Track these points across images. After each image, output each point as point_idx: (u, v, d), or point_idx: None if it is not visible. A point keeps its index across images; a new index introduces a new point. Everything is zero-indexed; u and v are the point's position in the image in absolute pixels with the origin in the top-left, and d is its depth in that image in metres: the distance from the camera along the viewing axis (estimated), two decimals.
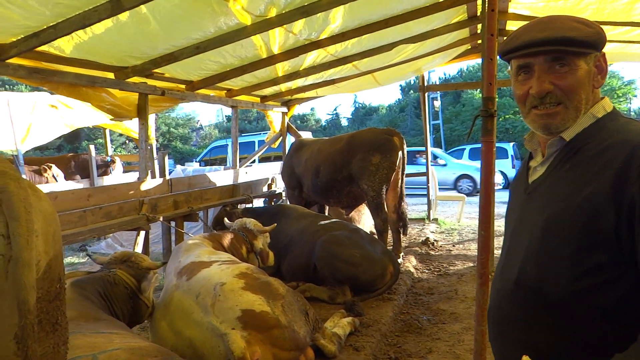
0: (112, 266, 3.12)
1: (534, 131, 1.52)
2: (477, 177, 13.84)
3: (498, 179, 15.39)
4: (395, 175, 5.98)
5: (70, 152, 18.82)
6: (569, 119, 1.37)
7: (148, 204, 4.77)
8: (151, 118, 6.90)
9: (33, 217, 1.35)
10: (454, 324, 4.32)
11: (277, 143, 9.49)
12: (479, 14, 5.81)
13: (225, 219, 4.91)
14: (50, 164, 8.69)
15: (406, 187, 6.38)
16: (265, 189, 7.78)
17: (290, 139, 9.45)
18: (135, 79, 5.23)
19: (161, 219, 4.86)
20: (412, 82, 32.75)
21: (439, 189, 10.67)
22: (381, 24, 5.14)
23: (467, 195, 13.44)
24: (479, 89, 23.29)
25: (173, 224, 5.32)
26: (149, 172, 5.77)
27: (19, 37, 3.67)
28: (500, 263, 1.58)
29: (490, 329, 1.57)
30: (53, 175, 8.46)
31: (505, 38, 6.37)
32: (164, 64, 4.88)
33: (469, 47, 7.87)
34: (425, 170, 9.81)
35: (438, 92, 22.94)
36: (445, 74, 32.75)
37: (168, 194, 5.47)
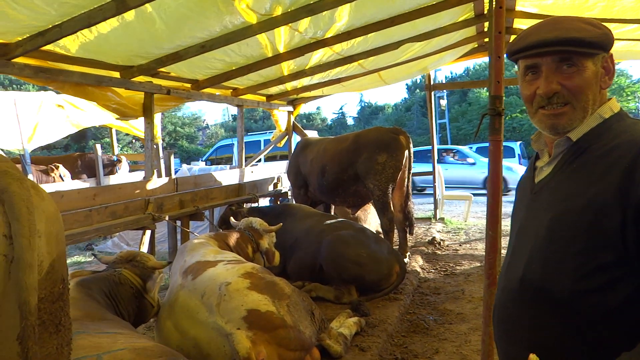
0: (118, 266, 3.11)
1: (540, 131, 1.52)
2: (507, 176, 13.55)
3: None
4: (401, 174, 5.95)
5: (77, 151, 18.89)
6: (576, 119, 1.38)
7: (154, 203, 4.76)
8: (157, 117, 6.91)
9: (35, 217, 1.34)
10: (460, 325, 4.29)
11: (282, 142, 9.47)
12: (485, 11, 5.77)
13: (231, 218, 4.90)
14: (58, 164, 8.72)
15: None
16: (271, 188, 7.77)
17: (296, 138, 9.43)
18: (141, 78, 5.23)
19: (167, 218, 4.85)
20: (419, 81, 32.68)
21: (468, 188, 10.60)
22: (387, 22, 5.11)
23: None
24: (485, 88, 23.19)
25: (179, 223, 5.31)
26: (155, 171, 5.77)
27: (25, 37, 3.68)
28: (505, 262, 1.58)
29: (495, 327, 1.58)
30: (60, 175, 8.49)
31: (512, 36, 6.35)
32: (170, 63, 4.87)
33: (476, 45, 7.83)
34: (435, 170, 9.75)
35: (444, 90, 22.86)
36: (451, 73, 32.71)
37: (174, 193, 5.46)
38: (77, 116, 8.52)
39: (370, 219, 7.59)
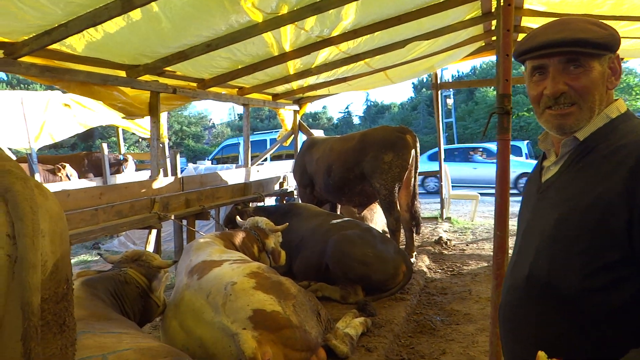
0: (123, 265, 3.11)
1: (547, 131, 1.53)
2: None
3: None
4: (408, 173, 5.92)
5: (84, 150, 18.96)
6: (582, 119, 1.39)
7: (160, 202, 4.76)
8: (163, 116, 6.93)
9: (39, 217, 1.32)
10: (467, 325, 4.26)
11: (288, 141, 9.46)
12: (493, 9, 5.72)
13: (237, 217, 4.89)
14: (64, 163, 8.75)
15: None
16: (276, 187, 7.76)
17: (302, 137, 9.41)
18: (147, 77, 5.22)
19: (172, 217, 4.85)
20: (425, 80, 32.54)
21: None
22: (394, 21, 5.08)
23: None
24: (492, 87, 23.08)
25: (185, 222, 5.31)
26: (161, 170, 5.77)
27: (31, 36, 3.68)
28: (512, 261, 1.59)
29: (500, 326, 1.58)
30: (67, 175, 8.52)
31: (520, 34, 6.30)
32: (176, 62, 4.87)
33: (483, 44, 7.77)
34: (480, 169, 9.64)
35: (451, 89, 22.77)
36: (458, 72, 32.52)
37: (180, 192, 5.46)
38: (84, 115, 8.56)
39: (377, 218, 7.56)
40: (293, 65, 6.31)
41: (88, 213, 3.99)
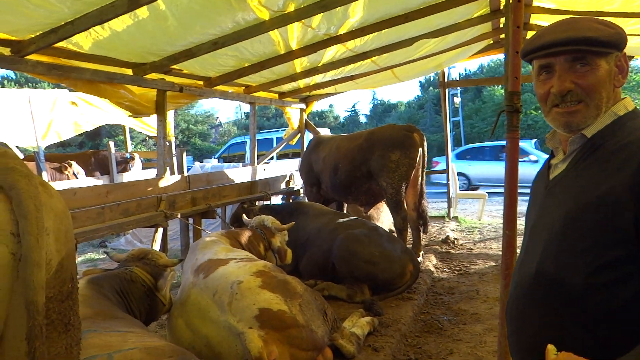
0: (129, 263, 3.11)
1: (555, 130, 1.54)
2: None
3: None
4: (415, 172, 5.89)
5: (92, 148, 19.05)
6: (589, 116, 1.40)
7: (166, 200, 4.76)
8: (170, 115, 6.91)
9: (43, 215, 1.31)
10: (475, 325, 4.23)
11: (295, 140, 9.45)
12: (502, 7, 5.67)
13: (243, 215, 4.88)
14: (71, 161, 8.78)
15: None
16: (283, 186, 7.75)
17: (308, 136, 9.39)
18: (154, 76, 5.22)
19: (179, 215, 4.84)
20: (432, 79, 32.41)
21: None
22: (401, 19, 5.04)
23: None
24: (500, 85, 22.95)
25: (191, 220, 5.30)
26: (168, 168, 5.77)
27: (38, 34, 3.68)
28: (519, 258, 1.60)
29: (507, 323, 1.58)
30: (74, 173, 8.55)
31: (529, 32, 6.25)
32: (182, 60, 4.86)
33: (491, 42, 7.71)
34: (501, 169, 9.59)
35: (458, 88, 22.65)
36: (465, 70, 32.19)
37: (186, 190, 5.46)
38: (91, 114, 8.58)
39: (383, 217, 7.53)
40: (300, 64, 6.29)
41: (94, 211, 3.99)
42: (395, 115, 33.11)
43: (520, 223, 3.42)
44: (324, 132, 10.82)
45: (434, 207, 11.13)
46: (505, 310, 1.60)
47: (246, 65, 5.79)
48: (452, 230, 8.50)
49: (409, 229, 6.11)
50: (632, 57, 7.21)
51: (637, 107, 1.46)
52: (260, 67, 5.80)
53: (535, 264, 1.43)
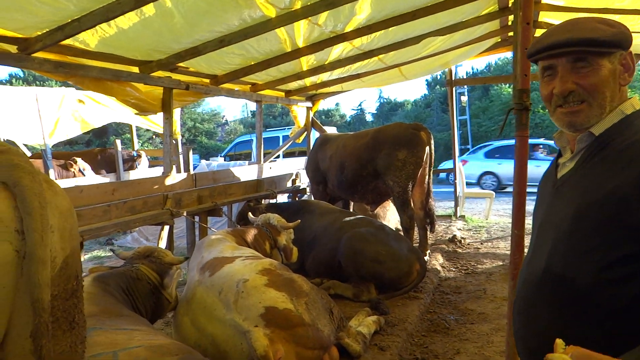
0: (135, 261, 3.10)
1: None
2: None
3: None
4: (422, 171, 5.86)
5: (99, 146, 19.12)
6: (592, 116, 1.42)
7: (172, 198, 4.76)
8: (177, 113, 6.92)
9: (48, 212, 1.30)
10: (482, 325, 4.20)
11: (301, 138, 9.43)
12: (510, 4, 5.62)
13: (249, 213, 4.87)
14: (76, 158, 8.79)
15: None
16: (289, 184, 7.74)
17: (314, 134, 9.38)
18: (160, 73, 5.22)
19: (185, 213, 4.84)
20: (439, 77, 32.28)
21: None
22: (409, 16, 5.01)
23: None
24: (508, 84, 22.84)
25: (197, 218, 5.30)
26: (174, 166, 5.77)
27: (44, 31, 3.68)
28: (527, 256, 1.62)
29: (515, 320, 1.60)
30: (80, 170, 8.56)
31: (537, 30, 6.19)
32: (188, 58, 4.85)
33: (499, 39, 7.66)
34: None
35: (465, 86, 22.56)
36: (473, 68, 32.00)
37: (192, 188, 5.45)
38: (98, 112, 8.60)
39: (390, 216, 7.50)
40: (306, 62, 6.27)
41: (100, 209, 4.00)
42: (402, 114, 33.01)
43: (528, 222, 3.40)
44: (331, 130, 10.79)
45: (440, 206, 11.08)
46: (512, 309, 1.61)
47: (252, 63, 5.78)
48: (459, 229, 8.46)
49: (416, 228, 6.08)
50: None
51: None
52: (267, 65, 5.79)
53: (543, 261, 1.44)
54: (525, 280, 1.54)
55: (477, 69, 32.14)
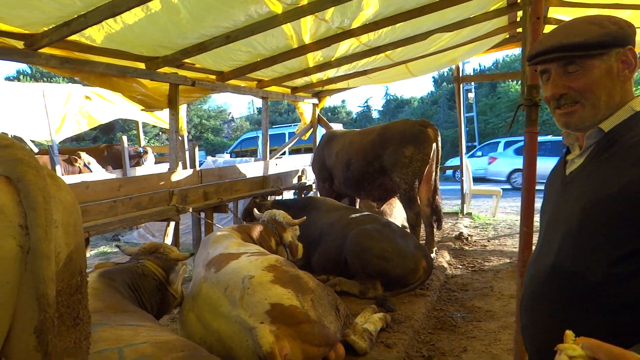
0: (141, 257, 3.10)
1: None
2: None
3: None
4: (428, 168, 5.82)
5: (105, 143, 19.17)
6: (586, 116, 1.44)
7: (178, 194, 4.75)
8: (183, 109, 6.93)
9: (52, 207, 1.29)
10: (489, 322, 4.17)
11: (307, 135, 9.41)
12: (519, 0, 5.57)
13: (255, 210, 4.86)
14: (80, 152, 8.80)
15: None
16: (295, 181, 7.72)
17: (321, 131, 9.35)
18: (166, 70, 5.22)
19: (190, 210, 4.84)
20: (445, 74, 32.17)
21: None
22: (416, 12, 4.97)
23: None
24: (515, 81, 22.69)
25: (203, 215, 5.30)
26: (180, 163, 5.77)
27: (51, 27, 3.68)
28: (534, 252, 1.62)
29: (522, 315, 1.60)
30: (85, 164, 8.57)
31: (546, 25, 6.13)
32: (195, 54, 4.84)
33: (507, 36, 7.60)
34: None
35: (472, 83, 22.45)
36: (480, 65, 31.92)
37: (198, 185, 5.45)
38: (105, 108, 8.62)
39: (396, 213, 7.47)
40: (313, 58, 6.25)
41: (106, 205, 4.00)
42: (409, 111, 32.91)
43: (536, 220, 3.38)
44: (337, 127, 10.76)
45: (447, 203, 11.03)
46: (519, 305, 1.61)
47: (259, 59, 5.76)
48: (466, 226, 8.41)
49: (422, 225, 6.05)
50: None
51: None
52: (273, 61, 5.77)
53: (551, 257, 1.45)
54: (533, 276, 1.54)
55: (484, 66, 32.05)
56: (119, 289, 2.73)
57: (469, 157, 14.95)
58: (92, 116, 8.51)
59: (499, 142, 19.16)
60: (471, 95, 22.23)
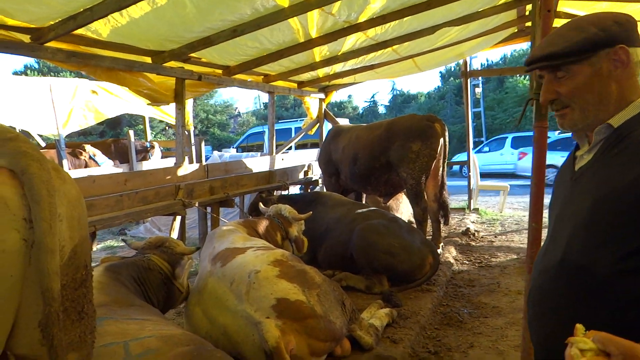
0: (147, 251, 3.10)
1: None
2: None
3: None
4: (436, 163, 5.79)
5: (112, 137, 19.24)
6: (577, 119, 1.48)
7: (184, 189, 4.75)
8: (189, 104, 6.92)
9: (56, 200, 1.28)
10: (496, 318, 4.15)
11: (314, 130, 9.39)
12: None
13: (260, 204, 4.86)
14: (84, 145, 8.82)
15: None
16: (301, 175, 7.71)
17: (327, 126, 9.32)
18: (172, 64, 5.20)
19: (197, 204, 4.83)
20: (452, 69, 31.99)
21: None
22: (423, 6, 4.93)
23: None
24: (523, 76, 22.53)
25: (209, 209, 5.29)
26: (186, 157, 5.76)
27: (57, 20, 3.67)
28: (543, 247, 1.62)
29: (529, 309, 1.61)
30: (90, 156, 8.58)
31: (556, 19, 6.05)
32: (201, 48, 4.83)
33: (516, 30, 7.52)
34: None
35: (480, 78, 22.28)
36: (487, 60, 31.62)
37: (204, 179, 5.44)
38: (112, 102, 8.63)
39: (403, 208, 7.45)
40: (319, 52, 6.22)
41: (113, 199, 4.00)
42: (415, 106, 32.76)
43: (545, 216, 3.35)
44: (343, 122, 10.73)
45: (453, 198, 10.98)
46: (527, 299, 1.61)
47: (265, 54, 5.74)
48: (473, 222, 8.37)
49: (429, 221, 6.03)
50: None
51: None
52: (279, 55, 5.74)
53: (560, 252, 1.45)
54: (541, 271, 1.55)
55: (492, 61, 31.81)
56: (124, 283, 2.73)
57: (476, 152, 14.86)
58: (99, 110, 8.52)
59: (507, 137, 19.04)
60: (478, 90, 22.07)
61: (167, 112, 9.24)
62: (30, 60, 31.20)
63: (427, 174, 5.75)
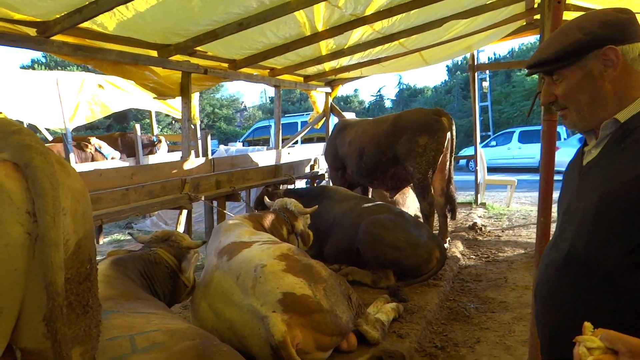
0: (153, 245, 3.09)
1: None
2: None
3: None
4: (442, 157, 5.76)
5: (119, 131, 19.29)
6: (575, 120, 1.51)
7: (190, 183, 4.75)
8: (196, 98, 6.91)
9: (60, 194, 1.27)
10: (503, 314, 4.13)
11: (320, 124, 9.37)
12: None
13: (266, 198, 4.85)
14: (89, 138, 8.83)
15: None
16: (307, 170, 7.69)
17: (333, 120, 9.29)
18: (178, 57, 5.19)
19: (203, 198, 4.83)
20: (459, 63, 31.83)
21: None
22: None
23: None
24: None
25: (215, 203, 5.29)
26: (192, 151, 5.76)
27: (63, 14, 3.66)
28: (551, 241, 1.63)
29: (536, 303, 1.61)
30: (96, 149, 8.59)
31: (565, 12, 5.98)
32: (207, 42, 4.81)
33: (524, 23, 7.43)
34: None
35: (487, 72, 22.13)
36: (494, 54, 31.40)
37: (210, 173, 5.44)
38: (118, 96, 8.63)
39: (409, 202, 7.42)
40: (325, 46, 6.18)
41: (119, 193, 4.00)
42: (422, 100, 32.64)
43: (554, 210, 3.32)
44: (349, 116, 10.68)
45: (460, 193, 10.93)
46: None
47: (271, 47, 5.71)
48: (480, 216, 8.33)
49: (436, 215, 6.00)
50: None
51: None
52: (286, 49, 5.71)
53: (566, 246, 1.45)
54: (548, 265, 1.55)
55: (499, 55, 31.60)
56: (131, 276, 2.73)
57: (482, 146, 14.77)
58: (106, 104, 8.53)
59: (514, 131, 18.93)
60: (486, 84, 21.93)
61: (173, 106, 9.24)
62: (38, 55, 31.32)
63: (434, 168, 5.71)
